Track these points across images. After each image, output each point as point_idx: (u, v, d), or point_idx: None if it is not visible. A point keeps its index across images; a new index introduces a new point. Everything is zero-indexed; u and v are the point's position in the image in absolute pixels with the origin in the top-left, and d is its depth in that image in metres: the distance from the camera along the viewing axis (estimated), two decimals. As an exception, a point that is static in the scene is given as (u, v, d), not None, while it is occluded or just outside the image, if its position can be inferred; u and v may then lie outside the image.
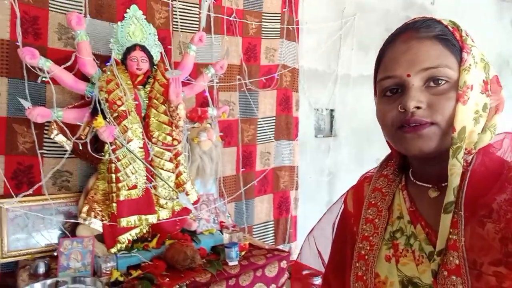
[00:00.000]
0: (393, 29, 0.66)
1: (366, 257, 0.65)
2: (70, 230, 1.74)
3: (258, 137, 2.57)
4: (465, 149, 0.58)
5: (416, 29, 0.60)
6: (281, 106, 2.67)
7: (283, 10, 2.63)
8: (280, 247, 2.41)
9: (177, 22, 2.18)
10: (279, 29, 2.62)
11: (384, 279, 0.62)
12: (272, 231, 2.64)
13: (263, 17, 2.55)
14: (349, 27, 3.08)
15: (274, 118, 2.64)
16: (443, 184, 0.60)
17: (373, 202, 0.69)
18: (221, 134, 2.23)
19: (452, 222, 0.55)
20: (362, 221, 0.68)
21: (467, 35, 0.61)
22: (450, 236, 0.55)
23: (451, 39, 0.59)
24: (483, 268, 0.51)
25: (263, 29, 2.55)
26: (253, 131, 2.54)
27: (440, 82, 0.58)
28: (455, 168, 0.56)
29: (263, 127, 2.57)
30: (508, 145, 0.61)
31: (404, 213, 0.65)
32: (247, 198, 2.48)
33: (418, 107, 0.58)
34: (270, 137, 2.62)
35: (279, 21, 2.62)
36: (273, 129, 2.64)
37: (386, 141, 0.70)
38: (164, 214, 1.78)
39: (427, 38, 0.59)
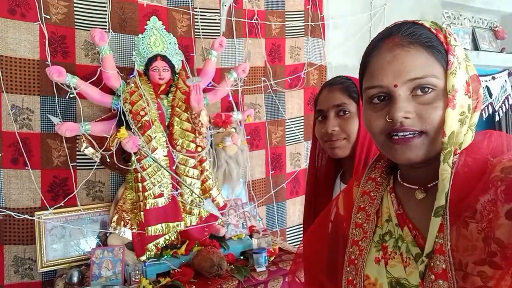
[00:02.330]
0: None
1: (356, 261, 0.66)
2: (105, 239, 1.80)
3: (287, 138, 2.52)
4: None
5: (401, 36, 0.60)
6: (309, 105, 2.61)
7: (307, 7, 2.57)
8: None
9: (198, 29, 2.19)
10: (303, 27, 2.56)
11: (374, 280, 0.63)
12: (306, 234, 2.59)
13: (286, 16, 2.50)
14: (379, 18, 2.95)
15: (303, 118, 2.59)
16: (429, 185, 0.61)
17: (362, 206, 0.70)
18: (248, 138, 2.21)
19: (439, 225, 0.56)
20: (352, 226, 0.70)
21: (450, 35, 0.61)
22: (437, 240, 0.55)
23: (436, 45, 0.59)
24: (468, 269, 0.52)
25: (286, 28, 2.50)
26: (281, 132, 2.50)
27: (427, 90, 0.58)
28: (446, 172, 0.56)
29: (291, 128, 2.53)
30: (493, 142, 0.59)
31: (392, 215, 0.66)
32: (278, 200, 2.45)
33: (406, 117, 0.58)
34: (299, 137, 2.56)
35: (303, 18, 2.56)
36: (302, 129, 2.59)
37: None
38: (191, 220, 1.79)
39: (412, 46, 0.59)
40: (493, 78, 3.61)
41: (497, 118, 3.68)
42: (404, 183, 0.66)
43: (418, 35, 0.59)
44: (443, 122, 0.57)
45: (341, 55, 2.80)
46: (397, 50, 0.59)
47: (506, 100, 3.70)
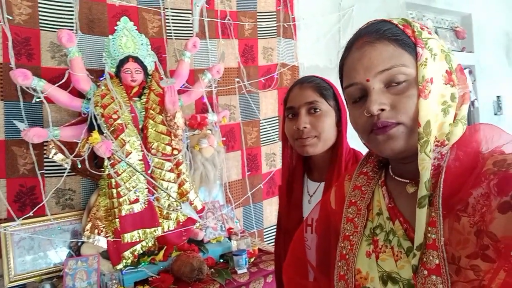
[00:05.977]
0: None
1: (347, 256, 0.66)
2: (77, 249, 1.73)
3: (262, 139, 2.53)
4: (438, 141, 0.58)
5: (369, 34, 0.62)
6: (283, 105, 2.62)
7: (278, 7, 2.58)
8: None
9: (170, 30, 2.15)
10: (275, 28, 2.58)
11: (365, 274, 0.63)
12: (284, 234, 2.60)
13: (258, 17, 2.50)
14: (347, 19, 3.01)
15: (277, 118, 2.60)
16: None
17: (353, 201, 0.70)
18: (223, 139, 2.19)
19: (430, 220, 0.55)
20: (344, 220, 0.69)
21: (422, 29, 0.62)
22: (429, 235, 0.55)
23: (402, 38, 0.60)
24: (461, 262, 0.52)
25: (258, 29, 2.51)
26: (256, 133, 2.50)
27: (399, 81, 0.59)
28: (425, 162, 0.57)
29: (266, 128, 2.53)
30: (484, 136, 0.59)
31: (383, 209, 0.65)
32: (255, 202, 2.44)
33: (382, 109, 0.59)
34: (274, 138, 2.57)
35: (275, 19, 2.57)
36: (277, 130, 2.59)
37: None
38: (169, 225, 1.75)
39: (378, 41, 0.60)
40: (456, 76, 3.77)
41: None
42: (396, 177, 0.66)
43: (383, 31, 0.61)
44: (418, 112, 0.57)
45: (313, 56, 2.83)
46: (365, 47, 0.61)
47: (468, 97, 3.87)
